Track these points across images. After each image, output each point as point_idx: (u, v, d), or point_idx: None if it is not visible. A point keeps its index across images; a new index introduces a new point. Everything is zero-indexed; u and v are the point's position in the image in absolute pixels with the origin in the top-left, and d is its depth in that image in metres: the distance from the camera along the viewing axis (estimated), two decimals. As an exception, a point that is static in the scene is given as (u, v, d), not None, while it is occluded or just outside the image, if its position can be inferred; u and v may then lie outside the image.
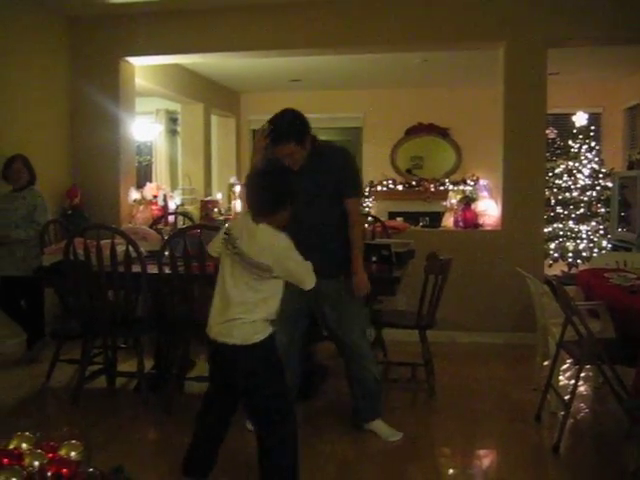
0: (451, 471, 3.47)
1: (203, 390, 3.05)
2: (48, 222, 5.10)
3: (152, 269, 4.10)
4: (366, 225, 5.73)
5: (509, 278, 5.52)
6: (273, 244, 2.63)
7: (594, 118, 9.53)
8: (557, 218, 8.59)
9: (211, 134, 9.44)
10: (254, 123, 10.82)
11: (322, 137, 3.69)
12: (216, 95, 9.55)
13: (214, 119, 9.72)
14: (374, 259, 4.36)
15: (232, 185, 4.82)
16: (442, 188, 9.93)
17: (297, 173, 3.38)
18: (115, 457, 3.39)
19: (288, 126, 3.41)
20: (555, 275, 7.53)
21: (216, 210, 5.56)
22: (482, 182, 8.94)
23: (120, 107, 6.31)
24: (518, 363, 5.20)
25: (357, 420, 3.84)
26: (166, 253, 4.03)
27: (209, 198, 6.59)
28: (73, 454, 1.62)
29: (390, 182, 10.33)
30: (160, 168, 9.96)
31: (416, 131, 10.38)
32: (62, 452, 1.62)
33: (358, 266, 3.53)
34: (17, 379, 4.80)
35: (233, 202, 4.80)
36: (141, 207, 6.22)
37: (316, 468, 3.33)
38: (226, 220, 4.84)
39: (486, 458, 3.72)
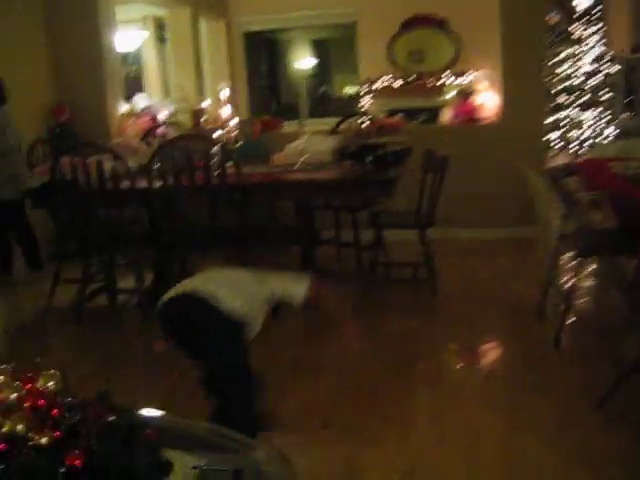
0: (455, 368, 3.49)
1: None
2: (35, 142, 4.97)
3: (144, 184, 4.01)
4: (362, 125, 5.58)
5: (510, 171, 5.40)
6: None
7: (598, -2, 9.10)
8: (560, 107, 8.36)
9: (201, 40, 9.10)
10: (246, 25, 10.43)
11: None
12: (203, -3, 9.14)
13: (204, 24, 9.35)
14: (369, 160, 4.26)
15: (219, 91, 4.63)
16: (441, 82, 9.62)
17: None
18: (115, 377, 3.43)
19: None
20: (556, 166, 7.39)
21: (203, 119, 5.41)
22: (482, 73, 8.65)
23: (99, 15, 6.03)
24: (520, 258, 5.16)
25: None
26: (155, 166, 3.94)
27: (199, 107, 6.42)
28: (50, 384, 1.56)
29: (388, 78, 10.02)
30: (150, 78, 9.67)
31: (413, 24, 9.97)
32: (39, 383, 1.56)
33: None
34: (20, 301, 4.82)
35: (220, 109, 4.65)
36: (131, 120, 6.06)
37: (321, 368, 3.35)
38: (215, 128, 4.71)
39: (489, 355, 3.74)
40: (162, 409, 1.87)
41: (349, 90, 11.79)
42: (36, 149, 4.97)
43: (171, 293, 2.53)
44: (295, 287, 2.59)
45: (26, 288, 5.01)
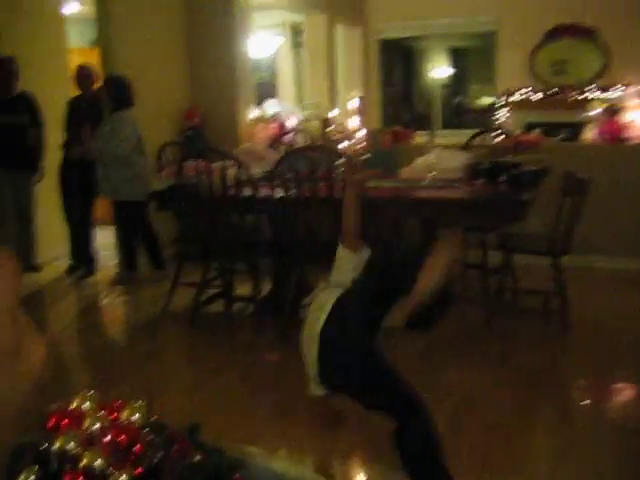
0: (582, 411, 3.19)
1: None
2: (164, 145, 5.04)
3: (266, 192, 3.97)
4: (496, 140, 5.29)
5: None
6: None
7: None
8: None
9: (336, 47, 9.05)
10: (382, 32, 10.26)
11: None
12: (341, 3, 9.09)
13: (340, 31, 9.30)
14: (503, 179, 3.99)
15: (349, 100, 4.47)
16: (585, 97, 9.07)
17: None
18: (226, 384, 3.38)
19: None
20: None
21: (329, 128, 5.30)
22: (633, 88, 8.05)
23: (236, 20, 6.08)
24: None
25: None
26: (278, 175, 3.87)
27: (329, 115, 6.34)
28: (136, 417, 1.45)
29: (527, 91, 9.58)
30: (284, 84, 9.74)
31: (558, 33, 9.48)
32: (125, 414, 1.45)
33: None
34: (140, 301, 4.91)
35: (348, 119, 4.52)
36: (260, 125, 6.06)
37: (434, 400, 3.13)
38: (342, 138, 4.59)
39: (621, 400, 3.39)
40: (254, 441, 1.74)
41: (485, 101, 11.40)
42: (166, 151, 5.04)
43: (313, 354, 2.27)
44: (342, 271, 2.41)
45: (148, 287, 5.10)
